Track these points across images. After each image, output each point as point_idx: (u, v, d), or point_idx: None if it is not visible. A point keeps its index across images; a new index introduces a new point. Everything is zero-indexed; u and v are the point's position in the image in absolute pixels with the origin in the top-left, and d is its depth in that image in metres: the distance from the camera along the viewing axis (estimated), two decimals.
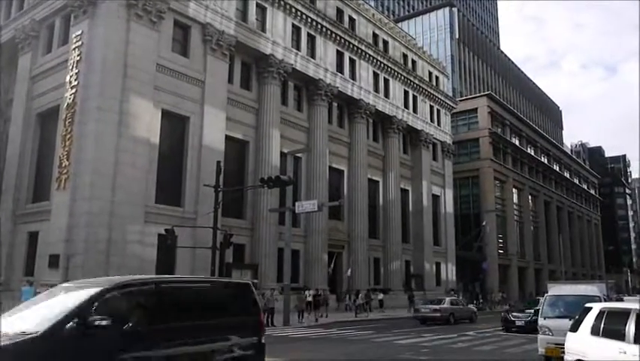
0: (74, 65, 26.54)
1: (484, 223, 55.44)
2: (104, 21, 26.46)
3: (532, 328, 18.99)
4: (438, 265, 52.12)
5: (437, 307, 27.63)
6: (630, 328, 7.60)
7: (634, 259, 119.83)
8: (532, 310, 21.47)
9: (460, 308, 29.71)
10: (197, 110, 29.85)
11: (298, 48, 37.62)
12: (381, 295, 37.97)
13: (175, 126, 29.43)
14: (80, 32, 26.81)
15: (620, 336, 7.72)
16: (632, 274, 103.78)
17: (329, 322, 26.50)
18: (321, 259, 36.80)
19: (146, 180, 26.55)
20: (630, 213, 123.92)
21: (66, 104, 26.32)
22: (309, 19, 38.40)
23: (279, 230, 32.63)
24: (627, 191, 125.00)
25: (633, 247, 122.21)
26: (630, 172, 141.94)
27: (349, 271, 38.48)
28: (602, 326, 8.43)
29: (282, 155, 34.64)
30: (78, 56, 26.49)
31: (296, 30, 37.78)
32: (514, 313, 22.91)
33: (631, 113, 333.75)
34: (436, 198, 53.53)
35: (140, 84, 26.67)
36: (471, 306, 33.67)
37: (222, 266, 28.57)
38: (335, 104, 41.96)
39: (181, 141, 29.63)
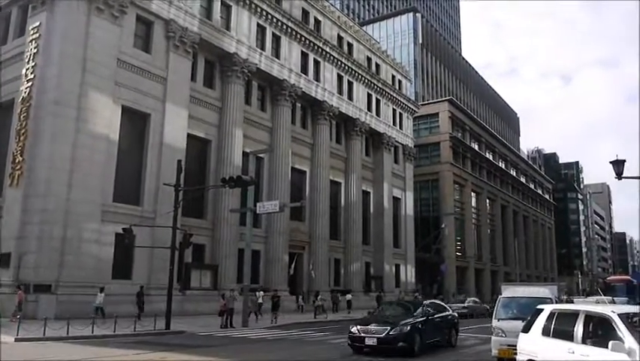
0: (31, 58, 25.74)
1: (443, 226, 56.43)
2: (63, 13, 25.74)
3: (389, 349, 14.13)
4: (397, 266, 52.76)
5: (464, 305, 36.86)
6: (579, 329, 7.92)
7: (584, 262, 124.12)
8: (405, 322, 14.70)
9: (478, 306, 39.18)
10: (158, 107, 29.38)
11: (263, 48, 37.47)
12: (349, 296, 38.32)
13: (135, 123, 28.87)
14: (37, 24, 26.02)
15: (569, 337, 8.02)
16: (582, 277, 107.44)
17: (288, 323, 26.45)
18: (281, 259, 36.75)
19: (104, 178, 25.97)
20: (582, 218, 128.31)
21: (21, 98, 25.48)
22: (275, 19, 38.30)
23: (239, 230, 32.41)
24: (579, 196, 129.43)
25: (584, 250, 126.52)
26: (582, 178, 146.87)
27: (313, 272, 38.56)
28: (553, 326, 8.73)
29: (245, 154, 34.47)
30: (35, 48, 25.69)
31: (261, 30, 37.62)
32: (365, 326, 14.77)
33: (584, 122, 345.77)
34: (396, 201, 54.18)
35: (99, 79, 26.07)
36: (484, 305, 40.72)
37: (181, 266, 28.30)
38: (299, 105, 41.98)
39: (141, 138, 29.10)
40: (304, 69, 41.49)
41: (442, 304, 19.91)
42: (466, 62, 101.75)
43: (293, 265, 37.57)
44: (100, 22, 26.38)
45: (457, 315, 19.17)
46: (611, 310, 7.70)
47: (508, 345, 11.83)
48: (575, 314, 8.32)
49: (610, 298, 24.61)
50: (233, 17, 35.16)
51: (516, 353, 9.91)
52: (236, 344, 17.92)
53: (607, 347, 6.91)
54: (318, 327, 25.51)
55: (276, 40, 39.06)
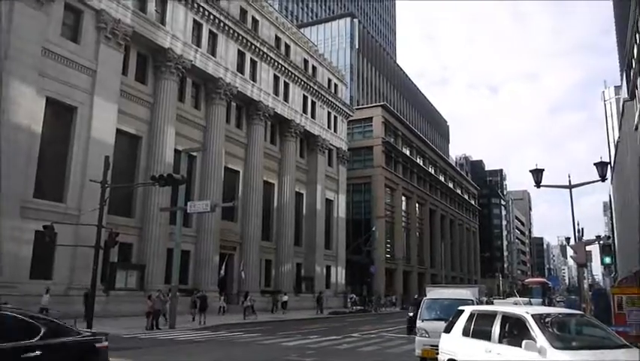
0: None
1: (373, 228, 57.51)
2: None
3: None
4: (328, 268, 53.27)
5: None
6: (496, 329, 8.31)
7: (505, 265, 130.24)
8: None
9: None
10: (86, 100, 28.21)
11: (199, 45, 36.82)
12: (285, 297, 38.32)
13: (61, 116, 27.57)
14: None
15: (487, 336, 8.41)
16: (503, 279, 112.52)
17: (217, 324, 26.11)
18: (212, 260, 36.21)
19: (25, 172, 24.63)
20: (504, 222, 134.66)
21: None
22: (212, 17, 37.73)
23: (169, 230, 31.62)
24: (502, 202, 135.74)
25: (505, 253, 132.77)
26: (506, 185, 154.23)
27: (243, 273, 38.21)
28: (472, 327, 9.11)
29: (177, 152, 33.65)
30: None
31: (197, 26, 36.96)
32: None
33: (509, 130, 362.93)
34: (329, 203, 54.72)
35: (22, 68, 24.70)
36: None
37: (106, 266, 27.30)
38: (234, 104, 41.55)
39: (67, 132, 27.81)
40: (240, 68, 41.12)
41: (49, 320, 7.22)
42: (400, 68, 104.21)
43: (224, 266, 37.09)
44: (23, 9, 25.01)
45: (102, 339, 7.45)
46: (526, 311, 8.12)
47: (431, 345, 12.19)
48: (492, 315, 8.72)
49: (527, 299, 25.98)
50: (168, 12, 34.35)
51: (438, 353, 10.27)
52: (163, 346, 17.50)
53: (521, 346, 7.30)
54: (247, 328, 25.34)
55: (213, 37, 38.50)
